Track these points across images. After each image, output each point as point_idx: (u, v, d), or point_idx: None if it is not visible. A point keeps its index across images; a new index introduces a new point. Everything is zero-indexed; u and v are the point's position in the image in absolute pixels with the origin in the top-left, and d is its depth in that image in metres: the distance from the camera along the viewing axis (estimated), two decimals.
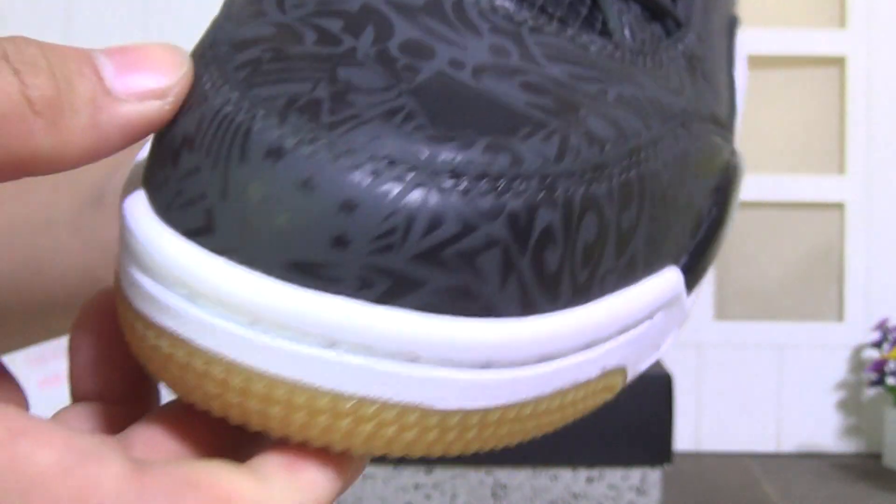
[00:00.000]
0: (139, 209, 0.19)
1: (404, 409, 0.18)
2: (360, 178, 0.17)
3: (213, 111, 0.19)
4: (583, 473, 1.38)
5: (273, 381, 0.18)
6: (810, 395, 1.99)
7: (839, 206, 1.99)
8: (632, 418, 1.36)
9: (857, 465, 1.88)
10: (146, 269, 0.19)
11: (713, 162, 0.24)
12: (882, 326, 1.85)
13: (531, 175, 0.18)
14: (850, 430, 1.98)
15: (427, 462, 1.33)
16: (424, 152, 0.18)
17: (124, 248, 0.19)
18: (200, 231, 0.18)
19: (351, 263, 0.17)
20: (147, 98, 0.19)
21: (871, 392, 1.96)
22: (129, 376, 0.22)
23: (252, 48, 0.20)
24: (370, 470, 1.34)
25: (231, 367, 0.18)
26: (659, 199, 0.21)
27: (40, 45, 0.19)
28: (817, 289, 2.00)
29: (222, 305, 0.18)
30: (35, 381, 1.34)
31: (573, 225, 0.19)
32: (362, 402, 0.18)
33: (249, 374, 0.18)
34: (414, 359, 0.18)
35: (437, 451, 0.19)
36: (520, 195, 0.18)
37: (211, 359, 0.18)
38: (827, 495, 1.68)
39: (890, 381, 1.81)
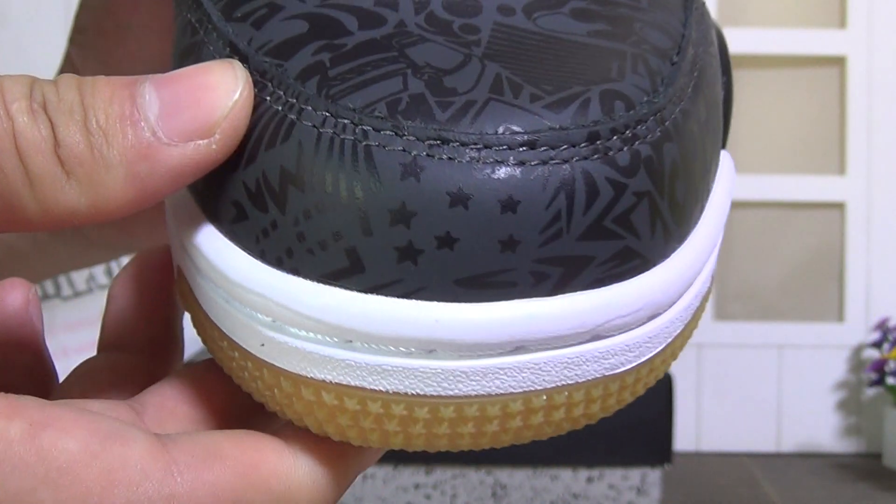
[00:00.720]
0: (238, 261, 0.18)
1: (592, 384, 0.18)
2: (510, 172, 0.17)
3: (310, 139, 0.17)
4: (583, 473, 1.38)
5: (480, 401, 0.17)
6: (810, 395, 1.99)
7: (839, 206, 1.99)
8: (632, 418, 1.36)
9: (857, 465, 1.88)
10: (302, 326, 0.17)
11: (711, 27, 0.24)
12: (882, 326, 1.85)
13: (646, 116, 0.18)
14: (850, 430, 1.98)
15: (427, 462, 1.33)
16: (555, 123, 0.17)
17: (237, 308, 0.18)
18: (344, 273, 0.17)
19: (523, 263, 0.17)
20: (193, 138, 0.18)
21: (870, 392, 1.96)
22: (157, 327, 0.23)
23: (300, 52, 0.18)
24: (370, 470, 1.34)
25: (466, 403, 0.17)
26: (709, 90, 0.21)
27: (81, 88, 0.18)
28: (817, 289, 2.00)
29: (436, 346, 0.17)
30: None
31: (686, 148, 0.19)
32: (549, 393, 0.18)
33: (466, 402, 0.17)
34: (596, 336, 0.17)
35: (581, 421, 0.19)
36: (645, 139, 0.18)
37: (447, 402, 0.17)
38: (827, 495, 1.68)
39: (890, 381, 1.81)
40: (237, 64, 0.18)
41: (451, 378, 0.17)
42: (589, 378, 0.18)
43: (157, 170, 0.17)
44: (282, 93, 0.18)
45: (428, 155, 0.17)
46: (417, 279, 0.17)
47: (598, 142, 0.17)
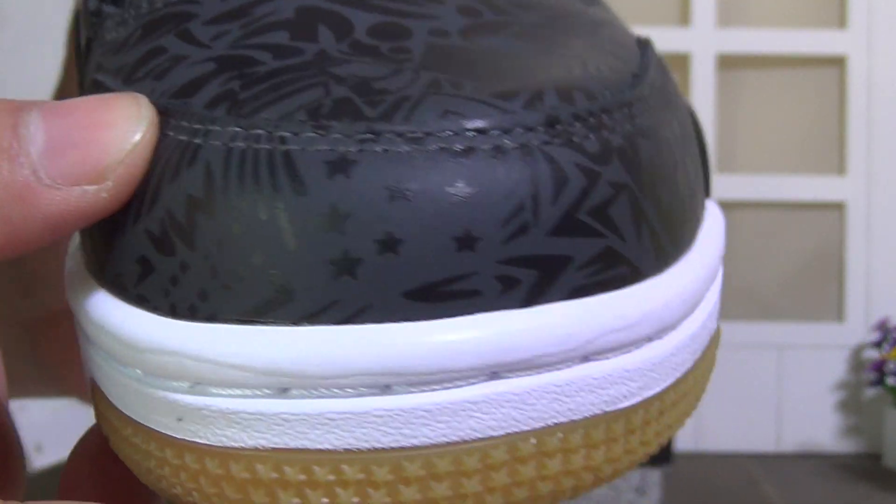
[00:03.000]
0: (146, 324, 0.15)
1: (591, 422, 0.15)
2: (459, 159, 0.14)
3: (218, 157, 0.15)
4: None
5: (453, 451, 0.14)
6: (810, 395, 1.99)
7: (839, 206, 1.99)
8: None
9: (857, 465, 1.88)
10: (226, 382, 0.14)
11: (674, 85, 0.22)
12: (882, 326, 1.85)
13: (612, 106, 0.15)
14: (850, 430, 1.98)
15: None
16: (506, 109, 0.14)
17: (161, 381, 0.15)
18: (270, 306, 0.14)
19: (486, 265, 0.14)
20: (80, 182, 0.15)
21: (870, 392, 1.96)
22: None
23: (206, 87, 0.16)
24: None
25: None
26: (681, 121, 0.18)
27: None
28: (817, 289, 2.00)
29: (391, 379, 0.14)
30: None
31: (663, 151, 0.16)
32: (539, 435, 0.14)
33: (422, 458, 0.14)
34: (586, 356, 0.15)
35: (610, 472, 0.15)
36: (614, 130, 0.15)
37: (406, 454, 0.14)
38: (827, 495, 1.68)
39: (890, 381, 1.81)
40: (143, 100, 0.16)
41: (414, 421, 0.14)
42: (586, 414, 0.15)
43: (33, 214, 0.15)
44: (186, 123, 0.15)
45: (359, 150, 0.14)
46: (359, 297, 0.14)
47: (559, 126, 0.15)
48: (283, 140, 0.14)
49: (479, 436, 0.14)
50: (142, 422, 0.16)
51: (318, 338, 0.14)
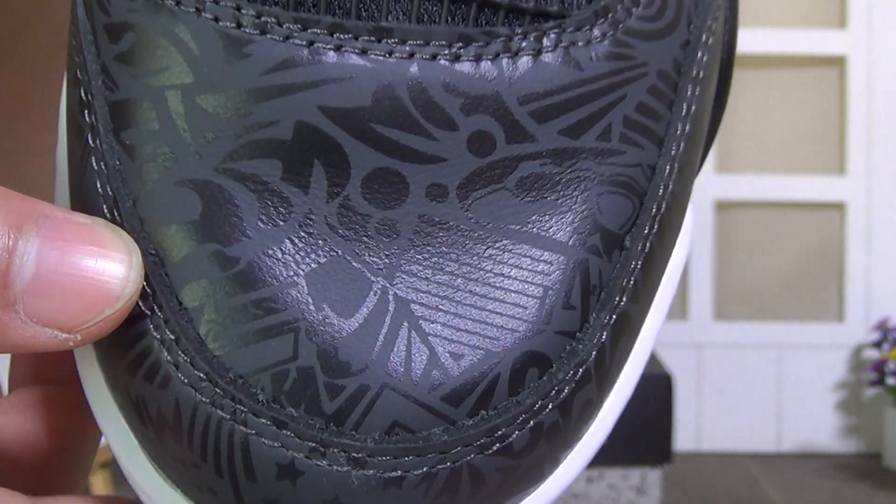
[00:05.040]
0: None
1: None
2: (391, 489, 0.15)
3: (188, 402, 0.15)
4: (583, 473, 1.38)
5: None
6: (810, 395, 1.99)
7: (839, 206, 1.99)
8: (632, 418, 1.36)
9: (857, 465, 1.88)
10: None
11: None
12: (882, 326, 1.85)
13: (561, 384, 0.16)
14: (850, 430, 1.98)
15: None
16: (452, 416, 0.15)
17: None
18: None
19: None
20: (53, 327, 0.15)
21: (870, 392, 1.96)
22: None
23: (188, 254, 0.16)
24: None
25: None
26: (670, 240, 0.19)
27: None
28: (817, 289, 2.00)
29: None
30: None
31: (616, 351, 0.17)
32: None
33: None
34: None
35: None
36: (543, 420, 0.16)
37: None
38: (827, 495, 1.68)
39: (890, 381, 1.81)
40: (136, 263, 0.15)
41: None
42: None
43: (4, 339, 0.15)
44: (162, 321, 0.16)
45: (307, 458, 0.15)
46: None
47: (498, 433, 0.16)
48: (245, 422, 0.15)
49: None
50: None
51: None
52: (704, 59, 0.19)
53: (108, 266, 0.15)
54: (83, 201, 0.17)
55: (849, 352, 1.98)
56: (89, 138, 0.17)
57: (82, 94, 0.17)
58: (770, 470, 1.84)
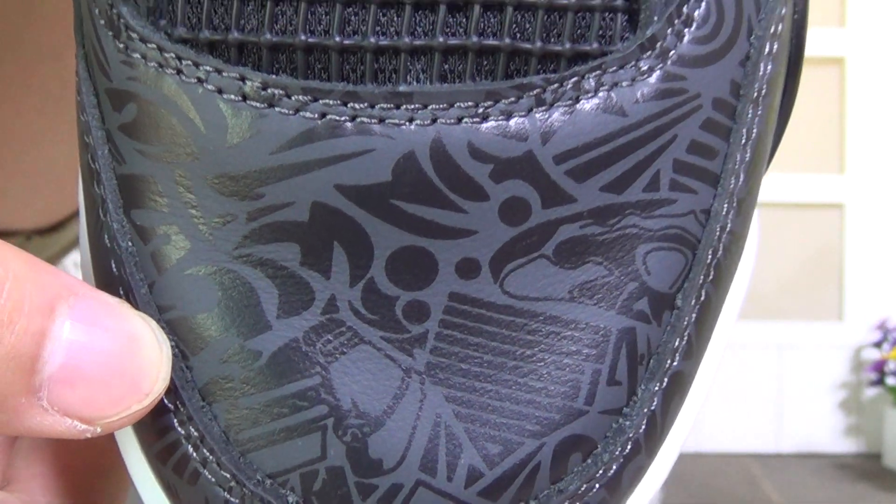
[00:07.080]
0: None
1: None
2: None
3: (217, 502, 0.15)
4: None
5: None
6: (810, 395, 1.99)
7: (839, 206, 1.99)
8: None
9: (857, 465, 1.87)
10: None
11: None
12: (882, 326, 1.85)
13: (609, 463, 0.15)
14: (850, 430, 1.98)
15: None
16: None
17: None
18: None
19: None
20: (74, 417, 0.14)
21: (871, 392, 1.96)
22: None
23: (209, 351, 0.15)
24: None
25: None
26: (726, 282, 0.18)
27: (5, 264, 0.13)
28: (817, 289, 2.00)
29: None
30: None
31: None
32: None
33: None
34: None
35: None
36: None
37: None
38: (827, 495, 1.68)
39: (890, 381, 1.81)
40: (166, 359, 0.15)
41: None
42: None
43: (13, 425, 0.14)
44: (186, 417, 0.15)
45: None
46: None
47: None
48: None
49: None
50: None
51: None
52: (768, 71, 0.18)
53: (139, 358, 0.14)
54: (102, 281, 0.16)
55: (849, 352, 1.98)
56: (100, 212, 0.16)
57: (90, 161, 0.16)
58: (770, 470, 1.84)
